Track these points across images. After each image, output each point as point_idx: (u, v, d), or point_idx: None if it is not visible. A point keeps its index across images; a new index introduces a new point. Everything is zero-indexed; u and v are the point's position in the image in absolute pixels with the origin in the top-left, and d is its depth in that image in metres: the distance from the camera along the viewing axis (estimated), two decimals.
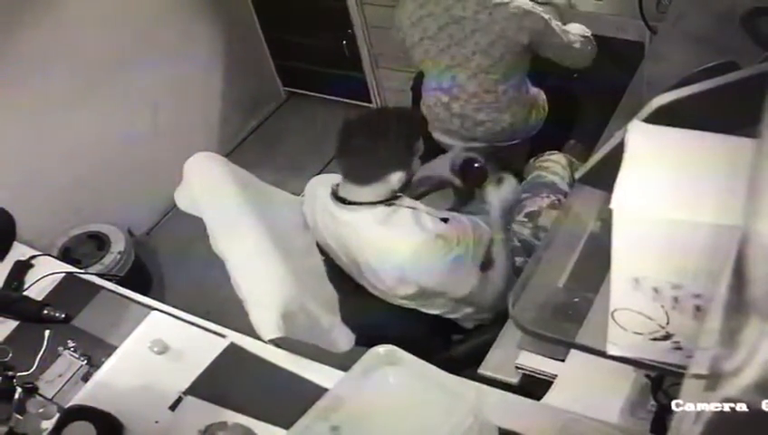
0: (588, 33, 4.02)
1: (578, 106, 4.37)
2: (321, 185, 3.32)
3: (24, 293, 3.15)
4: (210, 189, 3.04)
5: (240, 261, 2.85)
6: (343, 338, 2.91)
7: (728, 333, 1.11)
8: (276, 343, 2.69)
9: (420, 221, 3.09)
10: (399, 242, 3.07)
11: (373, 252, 3.13)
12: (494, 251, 3.38)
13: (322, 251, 3.34)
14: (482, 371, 2.63)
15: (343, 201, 3.13)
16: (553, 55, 3.93)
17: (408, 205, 3.16)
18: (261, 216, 2.94)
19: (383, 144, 3.05)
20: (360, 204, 3.10)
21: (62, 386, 2.81)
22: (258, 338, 2.73)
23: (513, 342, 2.59)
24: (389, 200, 3.11)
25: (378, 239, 3.11)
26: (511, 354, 2.59)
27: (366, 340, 2.81)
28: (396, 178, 3.06)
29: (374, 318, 3.30)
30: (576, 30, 3.98)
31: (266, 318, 2.65)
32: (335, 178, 3.25)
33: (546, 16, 3.76)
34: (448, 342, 3.52)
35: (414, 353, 2.17)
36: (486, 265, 3.33)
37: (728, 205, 1.41)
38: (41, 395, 2.72)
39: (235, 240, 2.90)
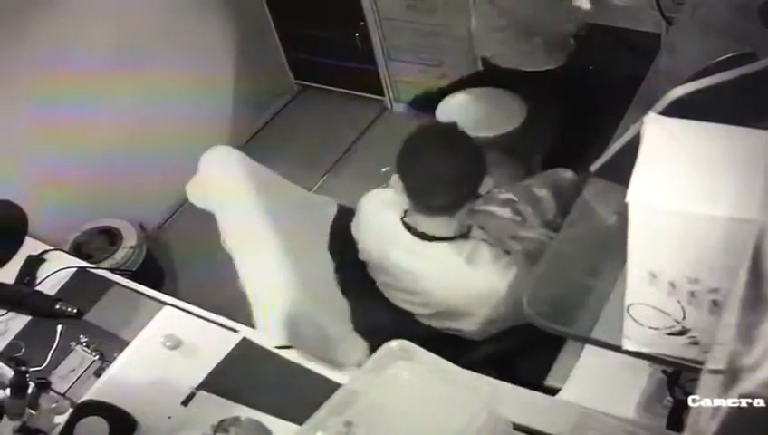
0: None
1: (593, 98, 4.34)
2: (385, 209, 3.11)
3: (37, 287, 3.16)
4: (226, 185, 3.03)
5: (249, 261, 2.85)
6: (356, 349, 2.87)
7: (745, 327, 1.10)
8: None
9: (503, 259, 2.95)
10: (493, 284, 2.88)
11: (461, 291, 2.94)
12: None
13: (342, 254, 3.28)
14: (550, 382, 2.60)
15: (421, 235, 2.93)
16: None
17: (481, 237, 3.01)
18: (275, 216, 2.92)
19: (461, 169, 2.84)
20: (440, 239, 2.92)
21: (75, 381, 2.82)
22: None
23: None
24: (465, 234, 2.97)
25: (467, 280, 2.92)
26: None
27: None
28: (465, 210, 2.90)
29: (389, 328, 3.24)
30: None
31: (271, 325, 2.66)
32: (393, 197, 3.05)
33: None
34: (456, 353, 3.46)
35: None
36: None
37: (746, 198, 1.40)
38: (53, 390, 2.73)
39: (246, 240, 2.90)
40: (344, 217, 3.30)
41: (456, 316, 2.99)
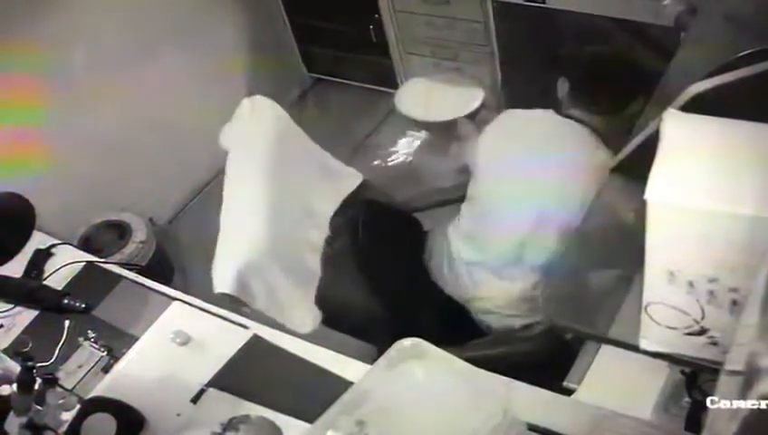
0: None
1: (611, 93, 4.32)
2: None
3: (44, 282, 3.15)
4: (249, 130, 3.04)
5: (233, 203, 2.86)
6: (306, 319, 2.88)
7: (766, 328, 1.08)
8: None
9: None
10: None
11: None
12: None
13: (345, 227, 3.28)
14: (567, 383, 2.58)
15: None
16: None
17: None
18: (285, 170, 2.92)
19: None
20: None
21: (83, 377, 2.81)
22: (283, 330, 2.73)
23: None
24: None
25: None
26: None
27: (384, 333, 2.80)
28: None
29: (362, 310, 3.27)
30: None
31: (224, 271, 2.66)
32: None
33: None
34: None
35: None
36: None
37: (766, 196, 1.37)
38: (61, 386, 2.71)
39: (240, 185, 2.90)
40: (363, 192, 3.32)
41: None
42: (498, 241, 3.24)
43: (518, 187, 3.18)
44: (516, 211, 3.14)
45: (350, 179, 3.36)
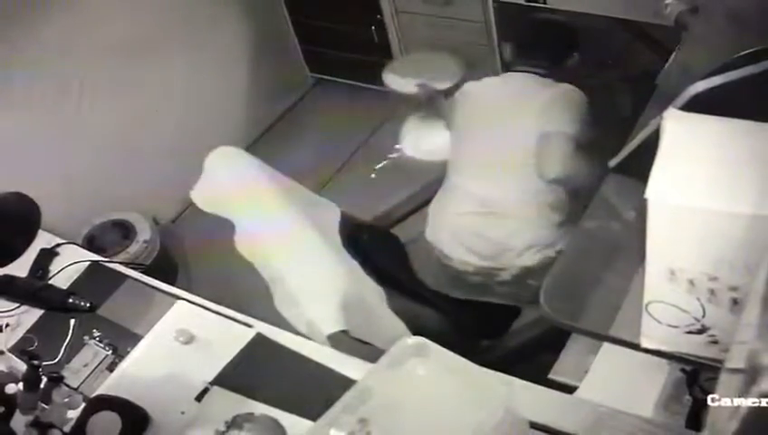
0: None
1: (613, 93, 4.34)
2: None
3: (49, 281, 3.15)
4: (236, 191, 3.01)
5: (281, 263, 2.82)
6: (399, 330, 2.86)
7: (766, 326, 1.09)
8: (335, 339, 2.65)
9: None
10: None
11: None
12: None
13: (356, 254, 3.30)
14: (553, 376, 2.58)
15: None
16: None
17: None
18: (291, 218, 2.91)
19: None
20: None
21: (88, 376, 2.81)
22: (287, 328, 2.72)
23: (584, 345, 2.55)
24: None
25: None
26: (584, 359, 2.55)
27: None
28: None
29: (418, 315, 3.28)
30: None
31: (325, 312, 2.62)
32: None
33: None
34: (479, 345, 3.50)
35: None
36: None
37: (766, 195, 1.38)
38: (66, 385, 2.70)
39: (270, 245, 2.87)
40: (348, 220, 3.32)
41: None
42: (512, 157, 3.46)
43: (511, 110, 3.52)
44: (519, 126, 3.43)
45: (332, 209, 3.36)
